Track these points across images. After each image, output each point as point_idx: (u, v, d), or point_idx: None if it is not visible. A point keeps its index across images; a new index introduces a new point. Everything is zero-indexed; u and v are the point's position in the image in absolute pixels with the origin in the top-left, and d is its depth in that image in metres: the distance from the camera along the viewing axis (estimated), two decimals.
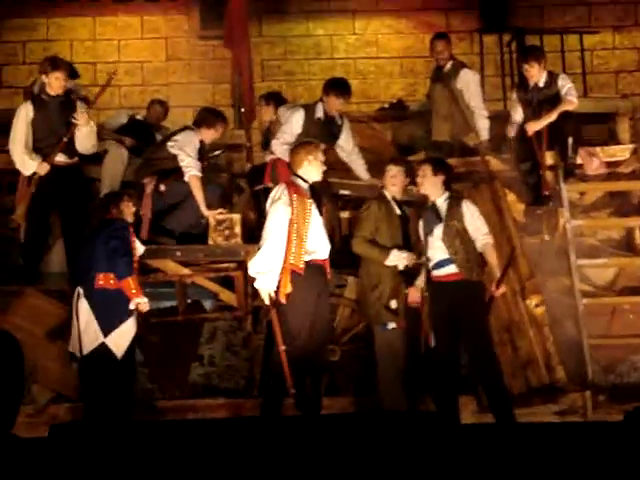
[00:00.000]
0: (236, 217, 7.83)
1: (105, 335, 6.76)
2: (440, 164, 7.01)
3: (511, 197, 8.02)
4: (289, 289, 6.29)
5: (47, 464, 4.67)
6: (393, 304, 6.85)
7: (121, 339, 6.80)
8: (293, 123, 7.93)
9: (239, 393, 7.55)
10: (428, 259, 6.83)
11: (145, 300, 6.80)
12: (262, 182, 8.07)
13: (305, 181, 6.56)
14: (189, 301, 7.93)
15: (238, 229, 7.78)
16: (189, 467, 4.63)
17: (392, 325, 6.87)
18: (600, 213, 8.48)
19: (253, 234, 8.12)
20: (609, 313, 7.87)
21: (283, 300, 6.30)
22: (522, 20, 11.10)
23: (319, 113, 8.01)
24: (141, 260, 7.24)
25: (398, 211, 7.12)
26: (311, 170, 6.58)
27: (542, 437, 4.88)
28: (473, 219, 6.79)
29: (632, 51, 11.40)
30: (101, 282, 6.83)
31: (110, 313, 6.82)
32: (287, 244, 6.29)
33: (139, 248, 7.14)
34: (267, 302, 6.38)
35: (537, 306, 7.29)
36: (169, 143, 7.84)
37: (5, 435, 4.73)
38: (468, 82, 8.70)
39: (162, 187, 7.75)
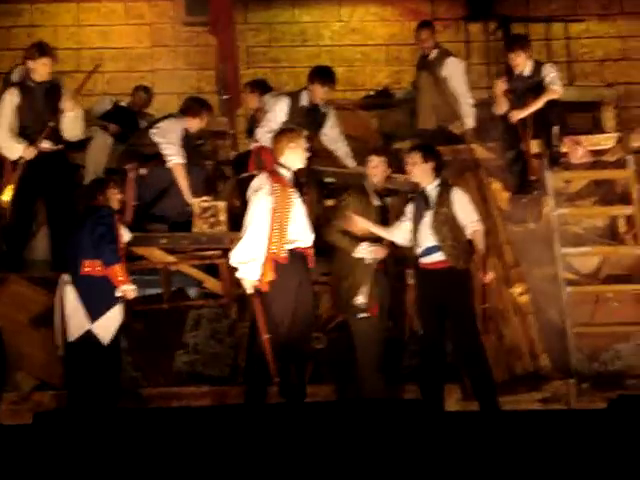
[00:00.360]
0: (221, 205, 7.82)
1: (92, 322, 6.76)
2: (430, 151, 6.96)
3: (496, 185, 8.03)
4: (271, 277, 6.29)
5: (31, 451, 4.67)
6: (359, 300, 6.82)
7: (108, 326, 6.79)
8: (277, 111, 7.92)
9: (224, 380, 7.54)
10: (416, 246, 6.81)
11: (133, 287, 6.81)
12: (247, 170, 8.06)
13: (288, 169, 6.53)
14: (174, 289, 7.91)
15: (223, 217, 7.77)
16: (174, 454, 4.63)
17: (362, 315, 6.87)
18: (585, 202, 8.50)
19: (238, 222, 8.12)
20: (593, 301, 7.89)
21: (265, 289, 6.30)
22: (508, 8, 11.09)
23: (304, 101, 7.99)
24: (127, 247, 7.23)
25: (377, 202, 7.10)
26: (293, 158, 6.54)
27: (526, 425, 4.91)
28: (462, 206, 6.76)
29: (617, 40, 11.40)
30: (87, 269, 6.82)
31: (97, 300, 6.82)
32: (269, 233, 6.28)
33: (125, 235, 7.12)
34: (249, 291, 6.37)
35: (521, 294, 7.31)
36: (151, 130, 7.83)
37: None
38: (453, 70, 8.72)
39: (142, 171, 7.72)
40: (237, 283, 7.51)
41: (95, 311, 6.78)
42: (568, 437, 4.72)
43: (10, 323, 7.38)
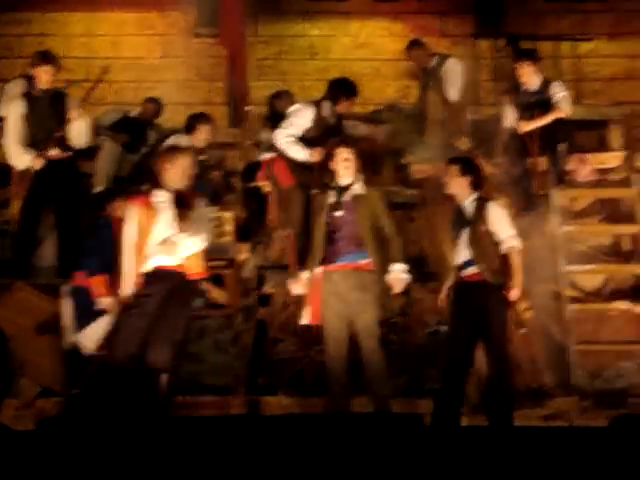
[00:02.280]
0: (228, 215, 7.87)
1: (78, 332, 6.92)
2: (468, 165, 6.86)
3: (502, 201, 8.04)
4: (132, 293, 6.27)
5: (34, 457, 4.69)
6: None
7: (92, 337, 6.84)
8: (302, 118, 7.95)
9: (227, 391, 7.55)
10: (456, 259, 6.78)
11: (109, 301, 6.77)
12: (254, 180, 8.10)
13: (167, 189, 6.43)
14: None
15: (230, 227, 7.81)
16: (176, 464, 4.65)
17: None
18: (590, 219, 8.52)
19: (244, 232, 8.16)
20: (597, 319, 7.89)
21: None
22: (516, 26, 11.11)
23: (325, 112, 8.03)
24: None
25: (331, 199, 6.81)
26: (170, 178, 6.41)
27: (528, 441, 4.91)
28: (498, 221, 6.69)
29: (625, 59, 11.43)
30: (78, 280, 6.96)
31: (83, 311, 6.89)
32: (132, 257, 6.27)
33: None
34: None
35: (525, 311, 7.31)
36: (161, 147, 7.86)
37: None
38: (450, 68, 8.83)
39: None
40: (242, 293, 7.59)
41: (81, 322, 6.88)
42: (570, 455, 4.72)
43: (16, 329, 7.39)
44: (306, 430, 4.88)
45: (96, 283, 6.81)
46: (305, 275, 6.80)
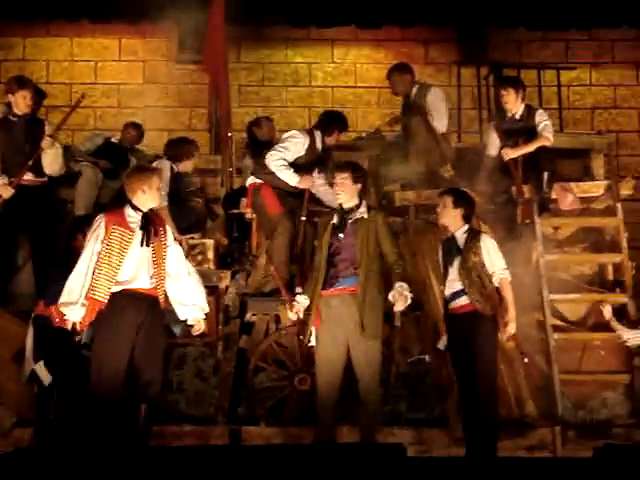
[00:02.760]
0: (209, 242, 7.83)
1: (35, 362, 6.84)
2: (461, 197, 6.90)
3: (485, 229, 8.01)
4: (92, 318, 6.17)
5: None
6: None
7: (46, 369, 6.81)
8: (298, 145, 7.93)
9: (208, 420, 7.47)
10: (446, 289, 6.79)
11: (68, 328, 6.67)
12: (237, 207, 8.06)
13: (139, 210, 6.37)
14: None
15: (211, 254, 7.77)
16: None
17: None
18: (573, 248, 8.49)
19: (226, 259, 8.09)
20: (580, 349, 7.86)
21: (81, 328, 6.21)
22: (500, 54, 11.18)
23: (318, 142, 8.02)
24: None
25: (335, 220, 6.81)
26: (146, 199, 6.37)
27: (511, 472, 4.86)
28: (490, 253, 6.71)
29: (608, 88, 11.50)
30: (39, 308, 6.96)
31: (40, 340, 6.86)
32: (92, 276, 6.15)
33: None
34: (69, 329, 6.24)
35: (508, 340, 7.26)
36: None
37: None
38: (433, 98, 8.79)
39: None
40: (223, 322, 7.52)
41: (38, 352, 6.82)
42: None
43: None
44: (288, 461, 4.83)
45: (56, 311, 6.72)
46: (302, 299, 6.76)
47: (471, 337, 6.56)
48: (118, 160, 8.74)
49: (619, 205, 8.38)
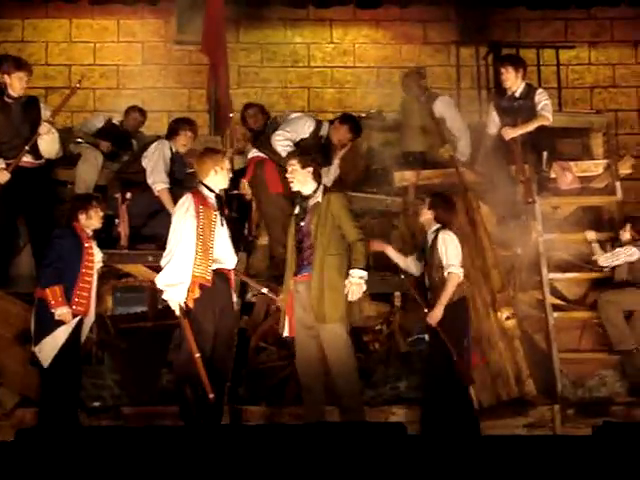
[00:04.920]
0: None
1: (35, 344, 6.86)
2: (437, 201, 7.13)
3: (484, 209, 8.02)
4: (197, 295, 6.29)
5: (12, 469, 4.63)
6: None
7: (47, 350, 6.82)
8: (304, 127, 7.99)
9: None
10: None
11: (65, 311, 6.77)
12: (237, 188, 8.06)
13: (212, 190, 6.51)
14: (159, 307, 7.87)
15: None
16: (156, 474, 4.60)
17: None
18: (572, 227, 8.50)
19: None
20: (579, 327, 7.89)
21: (191, 306, 6.29)
22: (499, 33, 11.14)
23: (323, 132, 8.06)
24: (110, 265, 7.21)
25: (297, 210, 6.91)
26: (218, 180, 6.53)
27: (510, 450, 4.88)
28: (443, 250, 6.90)
29: (607, 67, 11.48)
30: (38, 291, 6.92)
31: (40, 323, 6.88)
32: (194, 255, 6.26)
33: (97, 254, 7.08)
34: (178, 313, 6.32)
35: (508, 319, 7.29)
36: (143, 157, 7.79)
37: None
38: (444, 109, 8.70)
39: (128, 195, 7.68)
40: None
41: (38, 334, 6.86)
42: (552, 463, 4.69)
43: None
44: (289, 440, 4.84)
45: (48, 293, 6.74)
46: (284, 287, 6.83)
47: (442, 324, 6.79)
48: (119, 142, 8.74)
49: (618, 184, 8.39)
